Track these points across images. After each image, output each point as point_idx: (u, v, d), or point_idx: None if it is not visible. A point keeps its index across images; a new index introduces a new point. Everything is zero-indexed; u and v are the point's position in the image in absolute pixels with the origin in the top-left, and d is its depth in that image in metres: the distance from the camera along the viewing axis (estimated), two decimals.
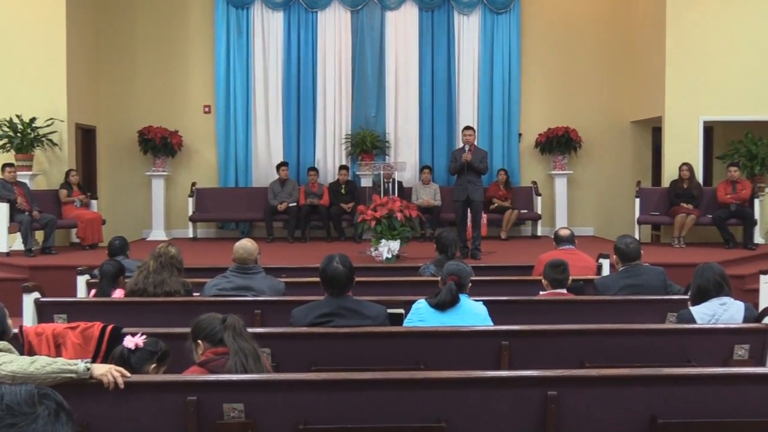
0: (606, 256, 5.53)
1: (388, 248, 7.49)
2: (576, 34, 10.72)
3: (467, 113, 10.60)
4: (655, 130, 10.51)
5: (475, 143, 8.35)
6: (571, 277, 4.34)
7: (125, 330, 2.98)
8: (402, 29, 10.59)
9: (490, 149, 10.48)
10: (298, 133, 10.60)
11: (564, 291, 4.28)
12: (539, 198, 10.35)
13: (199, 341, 2.77)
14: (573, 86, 10.70)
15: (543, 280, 4.36)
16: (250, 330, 2.82)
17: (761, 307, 4.79)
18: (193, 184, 10.36)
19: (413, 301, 3.73)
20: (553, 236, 5.59)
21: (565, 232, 5.46)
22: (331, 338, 3.36)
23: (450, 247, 5.22)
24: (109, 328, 3.03)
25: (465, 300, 3.64)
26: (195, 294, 4.35)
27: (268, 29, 10.53)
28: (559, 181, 10.53)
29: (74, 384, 2.43)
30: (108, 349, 2.92)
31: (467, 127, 8.13)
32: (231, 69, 10.45)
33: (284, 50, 10.52)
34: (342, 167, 10.19)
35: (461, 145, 8.27)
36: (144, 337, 2.71)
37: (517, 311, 4.11)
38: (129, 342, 2.66)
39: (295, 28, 10.52)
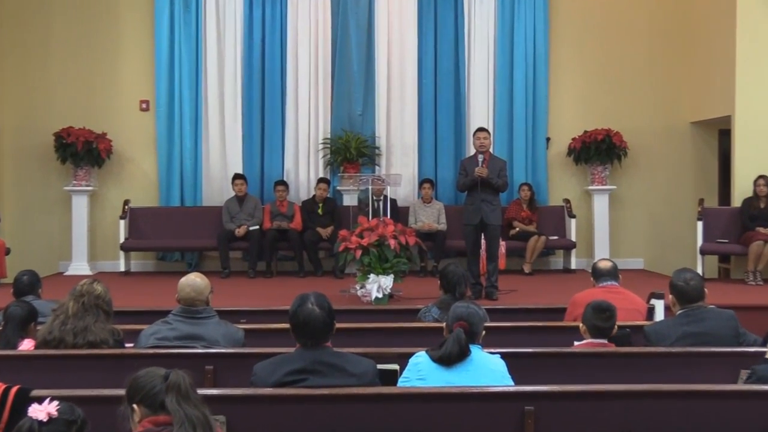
0: (659, 296, 5.53)
1: (378, 286, 7.49)
2: (619, 15, 10.90)
3: (480, 112, 10.71)
4: (722, 134, 10.64)
5: (491, 150, 8.41)
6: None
7: (35, 393, 2.96)
8: (396, 6, 10.73)
9: (509, 158, 10.57)
10: (262, 137, 10.68)
11: (605, 341, 4.29)
12: (573, 221, 10.43)
13: (135, 406, 2.76)
14: (615, 79, 10.86)
15: (581, 326, 4.36)
16: (199, 391, 2.81)
17: None
18: (126, 202, 10.37)
19: (411, 354, 3.73)
20: (591, 270, 5.62)
21: (606, 265, 5.48)
22: (304, 402, 3.34)
23: (458, 284, 5.22)
24: (14, 390, 3.01)
25: (477, 352, 3.65)
26: (128, 345, 4.33)
27: (224, 3, 10.64)
28: (599, 199, 10.62)
29: None
30: (12, 418, 2.89)
31: (481, 130, 8.21)
32: (176, 54, 10.54)
33: (245, 30, 10.62)
34: (320, 181, 10.24)
35: (473, 152, 8.34)
36: (57, 404, 2.66)
37: (544, 367, 4.11)
38: (37, 412, 2.62)
39: (259, 3, 10.64)
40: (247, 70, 10.61)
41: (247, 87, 10.62)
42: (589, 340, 4.31)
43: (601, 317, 4.27)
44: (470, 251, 8.08)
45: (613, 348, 4.29)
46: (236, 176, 10.18)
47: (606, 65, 10.87)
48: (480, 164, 7.88)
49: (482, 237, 8.10)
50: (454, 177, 9.39)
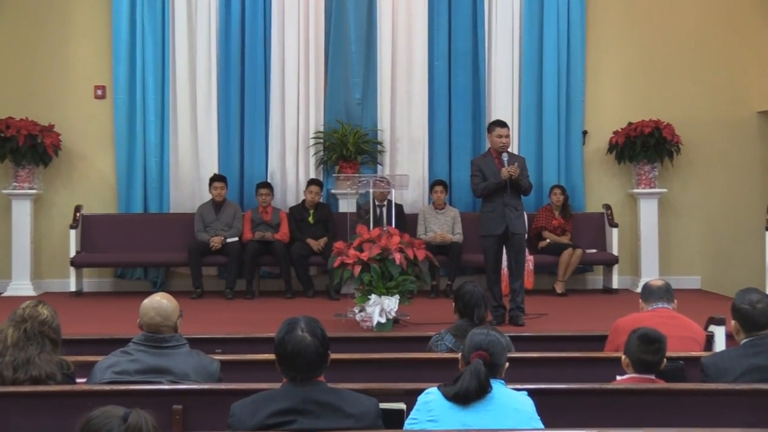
0: (720, 322, 5.51)
1: (380, 309, 7.48)
2: None
3: (503, 101, 10.73)
4: None
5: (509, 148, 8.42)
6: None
7: None
8: None
9: (538, 155, 10.61)
10: (242, 130, 10.70)
11: (653, 377, 4.29)
12: (615, 231, 10.43)
13: None
14: (666, 60, 10.87)
15: (623, 359, 4.36)
16: None
17: None
18: (78, 208, 10.39)
19: (420, 391, 3.73)
20: (641, 290, 5.61)
21: (657, 283, 5.48)
22: None
23: (477, 306, 5.22)
24: None
25: (500, 389, 3.64)
26: (79, 380, 4.33)
27: None
28: (647, 205, 10.63)
29: None
30: None
31: (501, 124, 8.19)
32: (138, 31, 10.54)
33: (220, 3, 10.60)
34: (310, 183, 10.25)
35: (488, 150, 8.34)
36: None
37: (580, 406, 4.10)
38: None
39: None
40: (223, 50, 10.62)
41: (224, 70, 10.63)
42: (634, 375, 4.30)
43: (648, 349, 4.25)
44: (491, 267, 8.07)
45: (662, 384, 4.28)
46: (216, 178, 10.17)
47: (654, 44, 10.87)
48: (505, 164, 7.88)
49: (505, 250, 8.09)
50: (470, 179, 9.32)
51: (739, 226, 10.70)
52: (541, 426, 3.65)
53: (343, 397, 3.46)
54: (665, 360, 4.32)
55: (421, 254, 7.76)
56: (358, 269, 7.54)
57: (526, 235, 8.67)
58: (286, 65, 10.64)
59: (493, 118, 9.52)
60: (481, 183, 8.02)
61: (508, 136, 8.06)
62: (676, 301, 5.45)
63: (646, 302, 5.43)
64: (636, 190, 10.66)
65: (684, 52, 10.87)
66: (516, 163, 7.89)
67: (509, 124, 9.06)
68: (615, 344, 5.18)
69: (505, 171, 7.81)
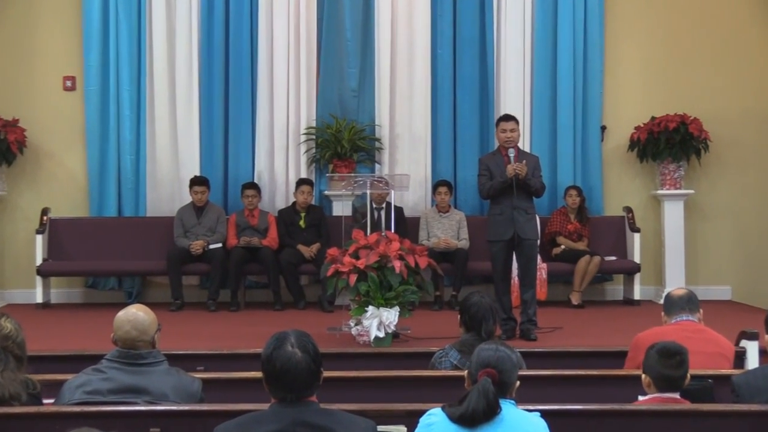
0: (752, 336, 5.51)
1: (378, 322, 7.48)
2: None
3: (513, 94, 10.75)
4: None
5: (520, 144, 8.40)
6: (690, 372, 4.35)
7: None
8: None
9: (552, 153, 10.62)
10: (226, 126, 10.71)
11: (677, 396, 4.29)
12: (636, 236, 10.43)
13: None
14: (693, 49, 10.87)
15: (644, 377, 4.36)
16: None
17: None
18: (45, 211, 10.39)
19: (422, 412, 3.73)
20: (663, 301, 5.60)
21: (679, 293, 5.47)
22: None
23: (484, 319, 5.22)
24: None
25: (510, 409, 3.64)
26: (47, 401, 4.32)
27: None
28: (671, 207, 10.64)
29: None
30: None
31: (507, 118, 8.18)
32: (111, 14, 10.53)
33: None
34: (300, 182, 10.25)
35: (497, 147, 8.34)
36: None
37: (599, 429, 4.11)
38: None
39: None
40: (205, 37, 10.63)
41: (206, 59, 10.64)
42: (656, 395, 4.30)
43: (668, 363, 4.25)
44: (499, 276, 8.06)
45: (689, 405, 4.28)
46: (196, 181, 10.15)
47: (680, 31, 10.88)
48: (512, 161, 7.88)
49: (515, 257, 8.09)
50: (476, 179, 9.31)
51: None
52: None
53: (337, 419, 3.45)
54: (689, 376, 4.32)
55: (423, 262, 7.76)
56: (353, 278, 7.54)
57: (539, 241, 8.67)
58: (274, 54, 10.65)
59: (503, 112, 9.51)
60: (487, 183, 8.03)
61: (514, 130, 8.03)
62: (701, 311, 5.43)
63: (668, 315, 5.42)
64: (660, 192, 10.67)
65: (713, 38, 10.88)
66: (524, 161, 7.89)
67: (520, 118, 9.09)
68: (636, 361, 5.17)
69: (511, 168, 7.80)
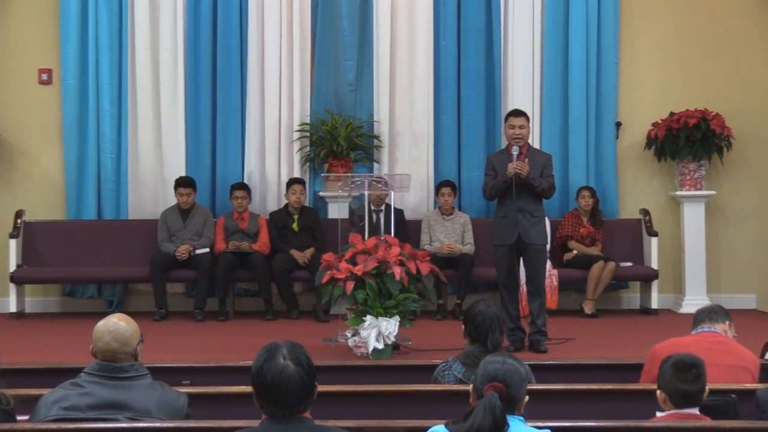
0: None
1: (377, 332, 7.48)
2: None
3: (522, 88, 10.76)
4: None
5: (530, 141, 8.39)
6: (708, 387, 4.33)
7: None
8: None
9: (563, 152, 10.63)
10: (214, 123, 10.72)
11: (696, 411, 4.28)
12: (654, 240, 10.44)
13: None
14: (715, 40, 10.87)
15: (659, 394, 4.35)
16: None
17: None
18: (19, 214, 10.39)
19: (424, 429, 3.73)
20: (683, 311, 5.59)
21: (705, 306, 5.48)
22: None
23: (491, 330, 5.21)
24: None
25: (518, 426, 3.64)
26: (21, 417, 4.32)
27: None
28: (691, 210, 10.64)
29: None
30: None
31: (516, 113, 8.18)
32: (90, 3, 10.52)
33: None
34: (292, 182, 10.24)
35: (506, 144, 8.34)
36: None
37: None
38: None
39: None
40: (192, 27, 10.64)
41: (193, 51, 10.66)
42: (674, 411, 4.29)
43: (685, 377, 4.23)
44: (503, 282, 8.06)
45: (710, 422, 4.27)
46: (181, 181, 10.15)
47: (701, 20, 10.88)
48: (514, 159, 7.86)
49: (522, 263, 8.09)
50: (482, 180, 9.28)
51: None
52: None
53: None
54: (707, 390, 4.31)
55: (425, 268, 7.76)
56: (350, 286, 7.54)
57: (548, 246, 8.67)
58: (265, 45, 10.67)
59: (510, 107, 9.56)
60: (490, 182, 8.03)
61: (523, 127, 8.01)
62: (728, 323, 5.39)
63: (696, 325, 5.41)
64: (679, 193, 10.67)
65: (735, 28, 10.89)
66: (527, 159, 7.88)
67: (529, 113, 9.05)
68: (652, 374, 5.14)
69: (511, 167, 7.78)
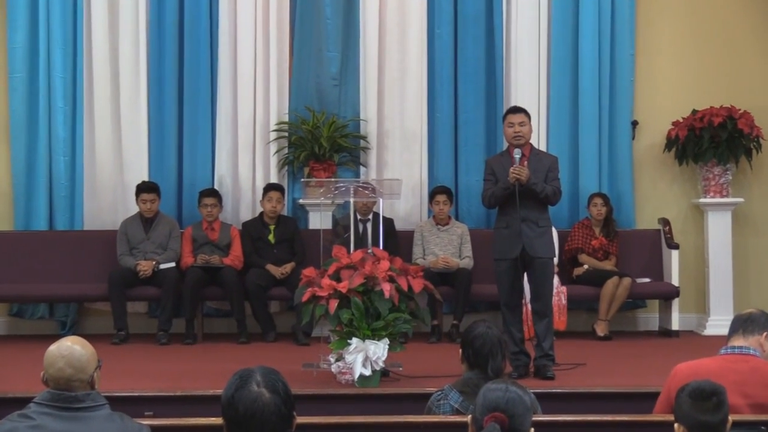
0: None
1: (364, 357, 7.50)
2: None
3: (526, 84, 10.79)
4: None
5: (535, 142, 8.41)
6: (738, 417, 4.37)
7: None
8: None
9: (573, 154, 10.67)
10: (180, 123, 10.74)
11: None
12: (675, 253, 10.44)
13: None
14: (739, 32, 10.92)
15: (676, 427, 4.39)
16: None
17: None
18: None
19: None
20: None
21: (743, 312, 5.31)
22: None
23: (491, 354, 5.23)
24: None
25: None
26: None
27: None
28: (716, 219, 10.66)
29: None
30: None
31: (515, 111, 8.20)
32: None
33: None
34: (269, 188, 10.26)
35: (505, 147, 8.39)
36: None
37: None
38: None
39: None
40: (155, 15, 10.65)
41: (156, 42, 10.67)
42: None
43: (705, 407, 4.24)
44: (505, 300, 8.08)
45: None
46: (144, 187, 10.14)
47: (725, 8, 10.92)
48: (516, 162, 7.89)
49: (525, 279, 8.12)
50: (481, 186, 9.27)
51: None
52: None
53: None
54: (731, 420, 4.34)
55: (417, 285, 7.74)
56: (334, 304, 7.53)
57: (556, 260, 8.69)
58: (238, 35, 10.68)
59: (513, 104, 9.56)
60: (490, 189, 8.05)
61: (523, 124, 7.98)
62: (765, 333, 5.13)
63: (726, 343, 5.30)
64: (703, 200, 10.70)
65: (763, 16, 10.94)
66: (526, 162, 7.88)
67: (534, 112, 9.16)
68: (670, 396, 5.13)
69: (512, 172, 7.78)
